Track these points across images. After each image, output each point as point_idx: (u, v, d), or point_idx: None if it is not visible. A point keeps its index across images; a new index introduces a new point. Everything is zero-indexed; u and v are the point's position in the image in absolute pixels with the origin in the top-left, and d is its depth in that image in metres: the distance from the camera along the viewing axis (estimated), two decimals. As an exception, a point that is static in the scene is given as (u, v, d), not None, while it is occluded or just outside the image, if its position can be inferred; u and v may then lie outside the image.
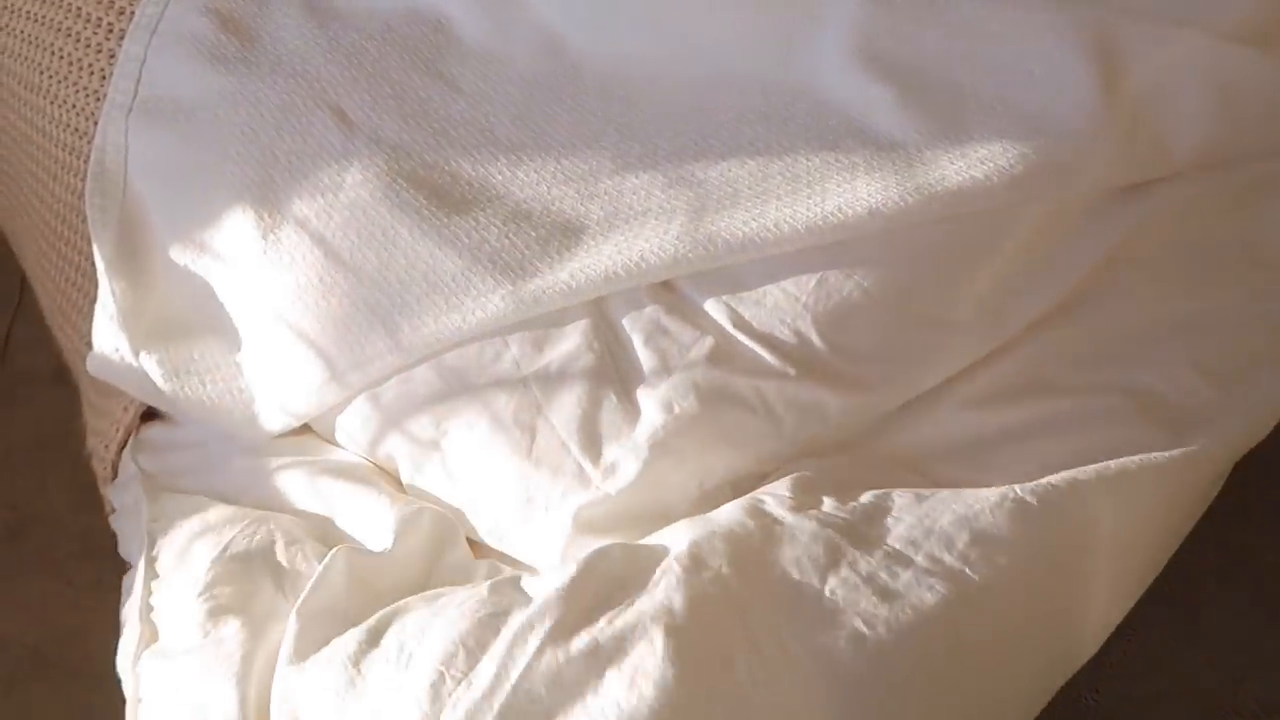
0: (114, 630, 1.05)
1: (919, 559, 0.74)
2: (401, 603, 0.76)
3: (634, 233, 0.86)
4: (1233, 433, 0.85)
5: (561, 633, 0.69)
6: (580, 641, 0.69)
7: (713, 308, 0.86)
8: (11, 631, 1.09)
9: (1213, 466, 0.85)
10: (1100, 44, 0.93)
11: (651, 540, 0.79)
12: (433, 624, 0.72)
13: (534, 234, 0.87)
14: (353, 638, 0.73)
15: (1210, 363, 0.88)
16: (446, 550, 0.84)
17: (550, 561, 0.83)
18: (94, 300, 0.97)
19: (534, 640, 0.69)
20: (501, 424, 0.84)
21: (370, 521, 0.84)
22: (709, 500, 0.83)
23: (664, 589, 0.71)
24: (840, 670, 0.69)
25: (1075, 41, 0.92)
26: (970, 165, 0.86)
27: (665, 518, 0.82)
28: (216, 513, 0.87)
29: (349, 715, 0.69)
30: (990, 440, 0.84)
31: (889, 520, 0.76)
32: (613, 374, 0.85)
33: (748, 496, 0.80)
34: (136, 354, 0.93)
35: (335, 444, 0.93)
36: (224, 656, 0.75)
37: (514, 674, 0.68)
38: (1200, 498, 0.87)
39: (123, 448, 0.96)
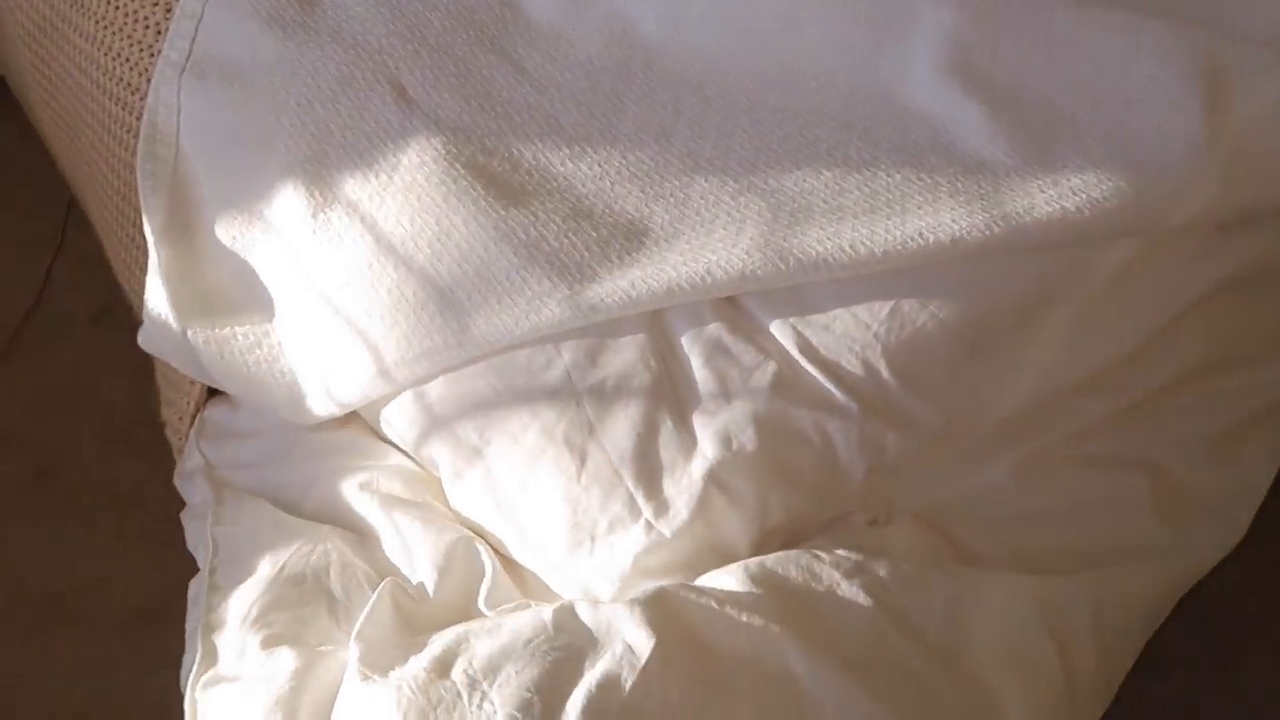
0: (135, 580, 1.05)
1: (943, 653, 0.76)
2: (463, 630, 0.75)
3: (700, 242, 0.82)
4: (1217, 534, 0.89)
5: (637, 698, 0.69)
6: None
7: (779, 330, 0.82)
8: (34, 577, 1.09)
9: (1199, 566, 0.89)
10: (1206, 69, 0.87)
11: (713, 584, 0.77)
12: (503, 665, 0.71)
13: (594, 234, 0.83)
14: (419, 665, 0.73)
15: (1220, 442, 0.90)
16: (482, 584, 0.82)
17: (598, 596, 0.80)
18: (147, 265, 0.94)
19: (614, 706, 0.68)
20: (551, 442, 0.81)
21: (414, 553, 0.83)
22: (768, 541, 0.80)
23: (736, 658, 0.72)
24: None
25: (1180, 65, 0.87)
26: (1061, 195, 0.81)
27: (725, 557, 0.79)
28: (278, 525, 0.86)
29: None
30: (1017, 519, 0.85)
31: (928, 604, 0.78)
32: (669, 395, 0.81)
33: (807, 553, 0.78)
34: (183, 329, 0.91)
35: (381, 434, 0.90)
36: (276, 689, 0.75)
37: None
38: (1184, 587, 0.89)
39: (194, 421, 0.96)
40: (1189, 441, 0.90)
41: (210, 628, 0.82)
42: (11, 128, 1.34)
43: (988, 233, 0.80)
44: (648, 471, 0.80)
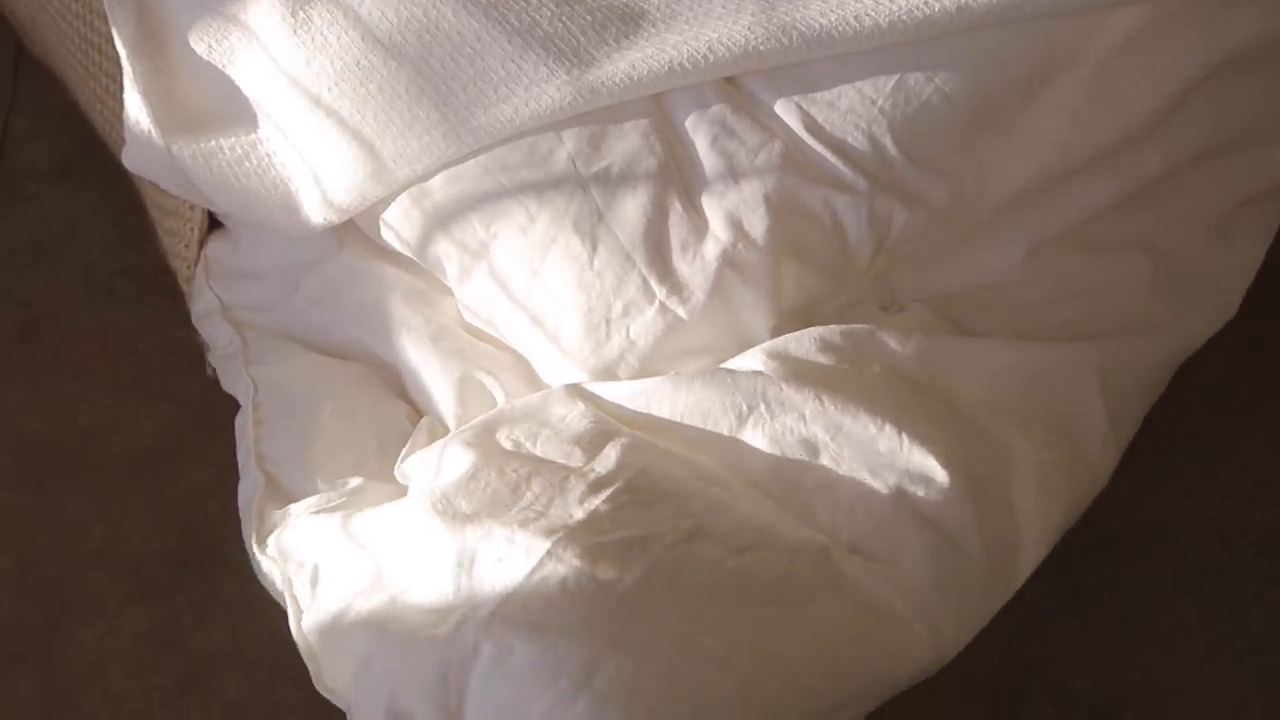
0: (137, 429, 1.05)
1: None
2: (492, 415, 0.79)
3: (699, 20, 0.80)
4: (1210, 314, 0.91)
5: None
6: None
7: (783, 109, 0.81)
8: (38, 430, 1.08)
9: (1193, 343, 0.91)
10: None
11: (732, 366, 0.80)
12: (540, 432, 0.75)
13: (589, 18, 0.81)
14: (467, 433, 0.76)
15: (1216, 225, 0.91)
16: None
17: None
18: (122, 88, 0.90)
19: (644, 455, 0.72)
20: (560, 230, 0.80)
21: (433, 393, 0.85)
22: (784, 326, 0.81)
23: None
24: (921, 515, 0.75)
25: None
26: (1071, -43, 0.79)
27: (744, 342, 0.81)
28: (314, 366, 0.88)
29: (482, 469, 0.73)
30: (1022, 305, 0.86)
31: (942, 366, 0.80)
32: (677, 178, 0.80)
33: (820, 328, 0.81)
34: (168, 145, 0.88)
35: (382, 244, 0.89)
36: (346, 505, 0.79)
37: (634, 467, 0.72)
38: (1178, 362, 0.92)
39: (201, 246, 0.94)
40: (1188, 224, 0.90)
41: (262, 456, 0.84)
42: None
43: (995, -1, 0.78)
44: (660, 254, 0.80)
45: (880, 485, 0.73)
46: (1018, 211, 0.86)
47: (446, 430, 0.83)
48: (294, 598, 0.77)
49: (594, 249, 0.79)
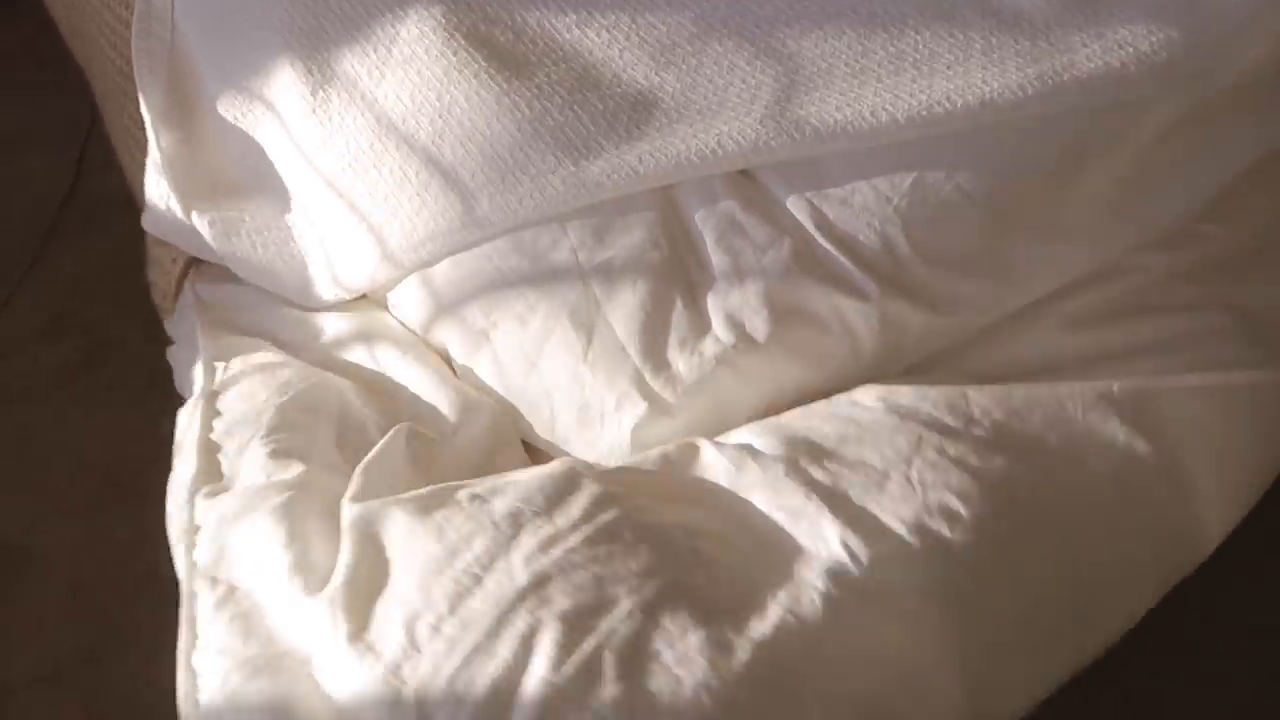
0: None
1: (999, 439, 0.71)
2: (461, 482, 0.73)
3: (712, 112, 0.78)
4: None
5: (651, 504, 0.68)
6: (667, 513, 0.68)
7: (795, 204, 0.78)
8: (93, 456, 1.12)
9: None
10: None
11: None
12: (505, 487, 0.70)
13: (600, 106, 0.80)
14: (422, 491, 0.71)
15: None
16: (503, 450, 0.80)
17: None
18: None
19: (617, 505, 0.67)
20: (558, 322, 0.79)
21: (430, 403, 0.81)
22: (772, 412, 0.78)
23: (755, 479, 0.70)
24: (940, 545, 0.67)
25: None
26: (1105, 49, 0.75)
27: (725, 426, 0.77)
28: (282, 363, 0.83)
29: (420, 535, 0.67)
30: (1088, 359, 0.78)
31: (970, 410, 0.73)
32: (680, 274, 0.79)
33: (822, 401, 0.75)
34: (188, 212, 0.90)
35: (389, 312, 0.89)
36: (284, 495, 0.73)
37: (599, 519, 0.66)
38: None
39: (183, 278, 0.94)
40: (1276, 284, 0.81)
41: (212, 445, 0.78)
42: (30, 23, 1.32)
43: (1021, 94, 0.74)
44: (656, 349, 0.78)
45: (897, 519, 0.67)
46: (1056, 298, 0.80)
47: (423, 438, 0.77)
48: (191, 619, 0.70)
49: (589, 341, 0.78)
